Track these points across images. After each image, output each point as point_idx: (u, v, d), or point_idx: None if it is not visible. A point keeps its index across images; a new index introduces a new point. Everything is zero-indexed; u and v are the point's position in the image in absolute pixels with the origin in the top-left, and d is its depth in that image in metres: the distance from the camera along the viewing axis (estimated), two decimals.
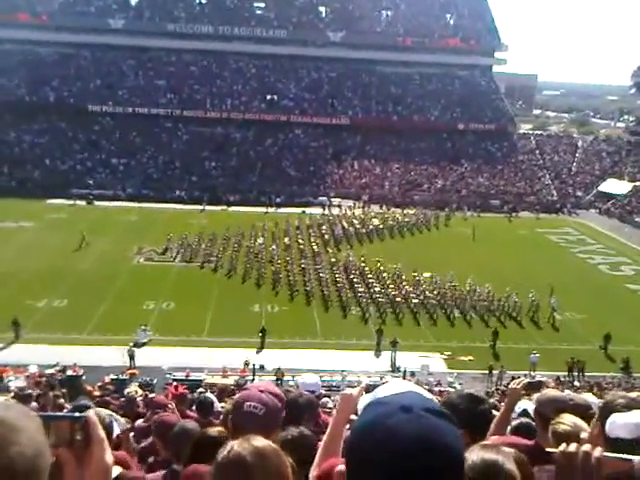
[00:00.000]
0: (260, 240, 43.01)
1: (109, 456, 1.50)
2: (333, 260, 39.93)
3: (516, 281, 38.05)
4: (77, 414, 1.48)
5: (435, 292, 35.02)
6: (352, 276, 36.93)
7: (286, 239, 44.50)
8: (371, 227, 49.34)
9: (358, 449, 1.37)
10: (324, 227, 48.48)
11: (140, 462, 5.60)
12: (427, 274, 37.28)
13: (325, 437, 2.72)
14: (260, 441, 1.95)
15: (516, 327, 32.51)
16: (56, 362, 24.78)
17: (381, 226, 49.84)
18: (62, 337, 27.98)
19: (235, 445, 1.92)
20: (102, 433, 1.49)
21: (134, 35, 72.71)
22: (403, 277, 36.84)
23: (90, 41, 72.40)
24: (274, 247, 41.38)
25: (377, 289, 35.25)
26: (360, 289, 35.05)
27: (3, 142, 62.43)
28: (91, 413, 1.50)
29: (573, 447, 1.68)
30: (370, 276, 36.92)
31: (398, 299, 33.99)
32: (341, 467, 1.79)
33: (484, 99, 76.74)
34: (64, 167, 61.46)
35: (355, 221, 50.60)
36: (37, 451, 1.22)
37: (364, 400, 1.83)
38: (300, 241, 44.24)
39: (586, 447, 1.67)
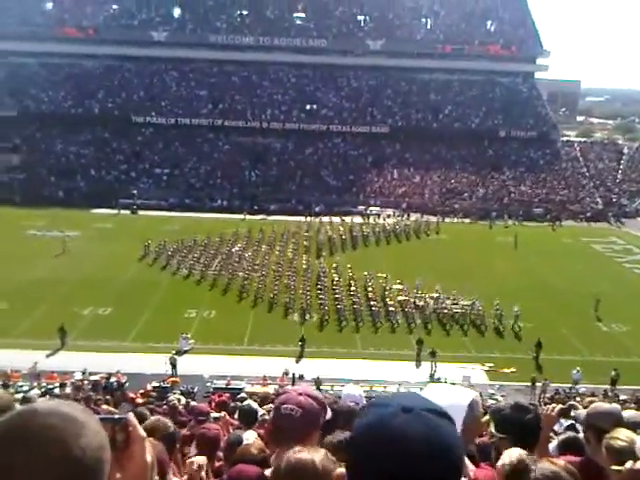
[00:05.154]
0: (237, 247, 43.18)
1: (149, 456, 1.55)
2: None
3: (559, 290, 37.44)
4: (117, 416, 1.54)
5: (400, 299, 34.93)
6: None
7: (263, 246, 44.25)
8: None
9: (362, 450, 1.37)
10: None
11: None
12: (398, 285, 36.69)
13: None
14: (318, 452, 1.95)
15: (559, 338, 31.74)
16: (84, 369, 24.96)
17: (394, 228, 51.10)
18: (106, 344, 28.49)
19: (293, 455, 1.92)
20: (142, 433, 1.54)
21: (176, 47, 74.08)
22: (370, 283, 36.45)
23: (134, 53, 74.08)
24: (249, 253, 41.66)
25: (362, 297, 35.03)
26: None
27: (50, 153, 64.23)
28: (131, 415, 1.55)
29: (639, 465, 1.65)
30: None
31: (356, 306, 33.75)
32: (341, 470, 1.77)
33: (526, 106, 75.63)
34: (109, 177, 62.83)
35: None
36: (100, 444, 1.30)
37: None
38: (278, 248, 43.99)
39: None
